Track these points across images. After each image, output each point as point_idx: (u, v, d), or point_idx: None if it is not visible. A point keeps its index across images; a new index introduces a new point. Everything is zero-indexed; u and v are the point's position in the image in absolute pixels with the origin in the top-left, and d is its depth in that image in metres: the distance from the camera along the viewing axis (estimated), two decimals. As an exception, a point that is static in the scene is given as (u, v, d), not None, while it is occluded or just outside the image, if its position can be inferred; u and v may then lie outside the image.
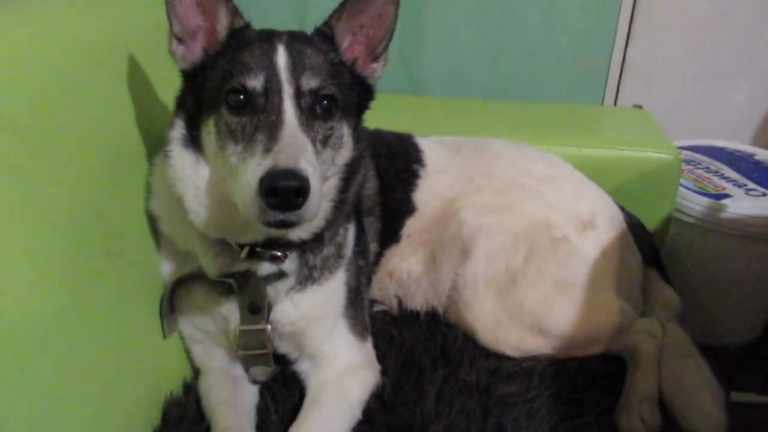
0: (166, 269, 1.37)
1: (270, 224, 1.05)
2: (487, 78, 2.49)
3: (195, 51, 1.22)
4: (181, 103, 1.27)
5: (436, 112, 2.24)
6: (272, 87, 1.12)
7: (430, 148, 1.73)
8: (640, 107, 2.47)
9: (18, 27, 1.15)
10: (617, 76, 2.50)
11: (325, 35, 1.25)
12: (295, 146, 1.05)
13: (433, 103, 2.37)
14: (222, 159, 1.15)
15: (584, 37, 2.40)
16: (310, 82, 1.14)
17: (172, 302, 1.36)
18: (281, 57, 1.15)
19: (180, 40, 1.21)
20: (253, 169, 1.03)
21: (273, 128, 1.07)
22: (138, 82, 1.39)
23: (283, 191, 0.99)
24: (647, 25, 2.43)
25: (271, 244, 1.24)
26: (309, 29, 1.28)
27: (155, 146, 1.38)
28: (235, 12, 1.21)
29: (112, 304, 1.22)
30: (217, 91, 1.16)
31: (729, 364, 1.95)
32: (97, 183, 1.22)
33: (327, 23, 1.25)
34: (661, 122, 2.23)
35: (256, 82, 1.12)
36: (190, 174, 1.22)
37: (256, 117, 1.11)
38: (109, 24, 1.39)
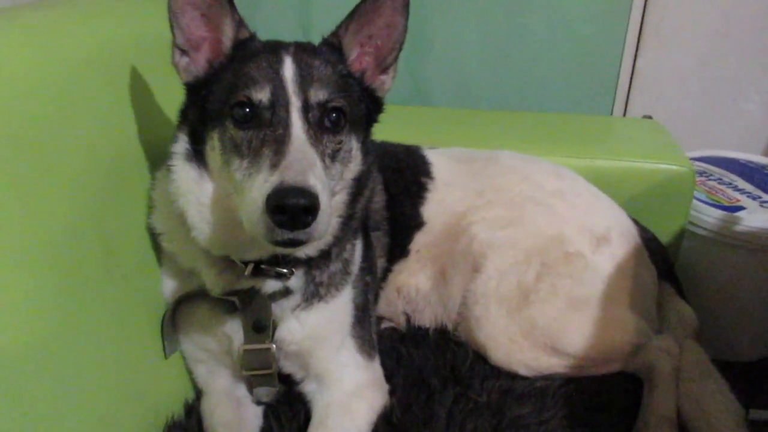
0: (168, 287, 1.34)
1: (278, 243, 1.01)
2: (494, 88, 2.44)
3: (199, 63, 1.18)
4: (185, 116, 1.24)
5: (444, 123, 2.21)
6: (279, 100, 1.09)
7: (438, 160, 1.70)
8: (650, 118, 2.44)
9: (19, 39, 1.14)
10: (626, 86, 2.46)
11: (333, 46, 1.22)
12: (304, 162, 1.01)
13: (440, 114, 2.33)
14: (227, 174, 1.12)
15: (593, 47, 2.35)
16: (318, 95, 1.11)
17: (174, 321, 1.32)
18: (288, 69, 1.11)
19: (183, 52, 1.18)
20: (260, 185, 1.00)
21: (280, 143, 1.03)
22: (140, 94, 1.36)
23: (292, 209, 0.95)
24: (657, 35, 2.39)
25: (277, 260, 1.20)
26: (313, 40, 1.25)
27: (157, 160, 1.35)
28: (240, 23, 1.18)
29: (111, 322, 1.19)
30: (221, 104, 1.12)
31: (746, 381, 1.90)
32: (98, 197, 1.19)
33: (335, 34, 1.22)
34: (671, 134, 2.20)
35: (262, 95, 1.08)
36: (194, 189, 1.18)
37: (262, 131, 1.07)
38: (111, 36, 1.37)
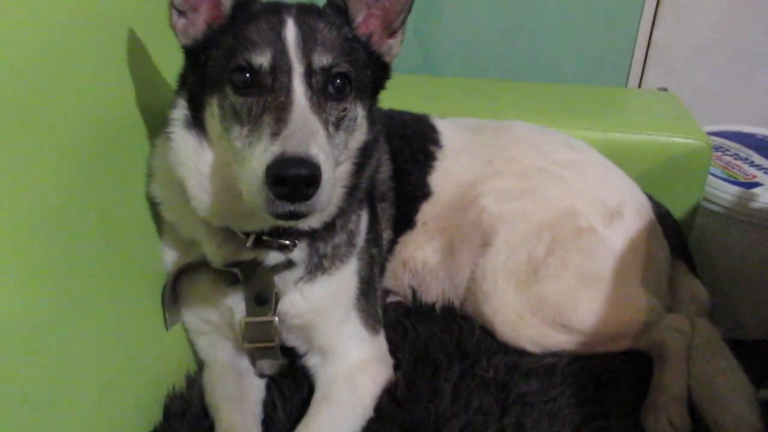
0: (169, 257, 1.31)
1: (278, 216, 0.98)
2: (506, 58, 2.41)
3: (197, 25, 1.14)
4: (184, 81, 1.20)
5: (453, 92, 2.17)
6: (280, 65, 1.04)
7: (447, 129, 1.66)
8: (665, 90, 2.38)
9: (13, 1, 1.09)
10: (642, 57, 2.40)
11: (338, 8, 1.17)
12: (306, 130, 0.97)
13: (449, 83, 2.29)
14: (226, 142, 1.08)
15: (608, 16, 2.31)
16: (321, 59, 1.06)
17: (175, 292, 1.30)
18: (290, 31, 1.07)
19: (181, 13, 1.13)
20: (260, 155, 0.96)
21: (281, 110, 1.00)
22: (140, 56, 1.32)
23: (293, 181, 0.92)
24: (675, 6, 2.33)
25: (279, 232, 1.17)
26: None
27: (157, 125, 1.30)
28: None
29: (110, 293, 1.16)
30: (221, 69, 1.08)
31: (758, 360, 1.87)
32: (94, 164, 1.15)
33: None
34: (688, 107, 2.14)
35: (262, 59, 1.04)
36: (193, 158, 1.15)
37: (263, 97, 1.04)
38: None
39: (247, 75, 1.05)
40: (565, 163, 1.59)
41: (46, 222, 1.02)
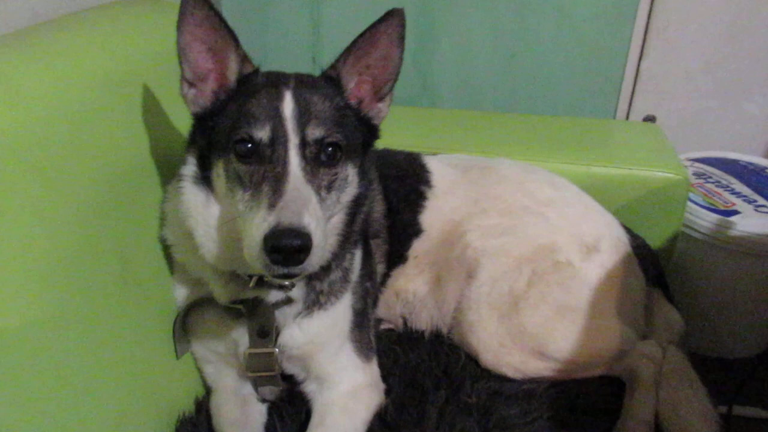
0: (179, 294, 1.43)
1: (275, 276, 1.11)
2: (500, 89, 2.49)
3: (205, 94, 1.25)
4: (192, 141, 1.31)
5: (448, 125, 2.27)
6: (278, 137, 1.15)
7: (437, 168, 1.76)
8: (653, 118, 2.47)
9: (36, 60, 1.22)
10: (631, 87, 2.48)
11: (332, 79, 1.28)
12: (299, 201, 1.08)
13: (444, 115, 2.39)
14: (231, 200, 1.19)
15: (598, 48, 2.39)
16: (315, 132, 1.17)
17: (184, 325, 1.41)
18: (287, 106, 1.17)
19: (191, 84, 1.25)
20: (259, 223, 1.07)
21: (278, 181, 1.10)
22: (151, 111, 1.44)
23: (286, 250, 1.03)
24: (662, 37, 2.41)
25: None
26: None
27: (168, 173, 1.43)
28: (244, 58, 1.24)
29: (127, 326, 1.28)
30: (226, 137, 1.19)
31: (735, 377, 1.97)
32: (113, 211, 1.28)
33: (333, 66, 1.28)
34: (674, 134, 2.24)
35: (262, 134, 1.15)
36: (201, 211, 1.26)
37: (263, 167, 1.14)
38: (124, 55, 1.45)
39: (249, 146, 1.15)
40: (547, 201, 1.68)
41: (71, 263, 1.14)
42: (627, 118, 2.53)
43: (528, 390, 1.51)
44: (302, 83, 1.24)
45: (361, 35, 1.24)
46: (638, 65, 2.46)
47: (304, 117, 1.17)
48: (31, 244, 1.07)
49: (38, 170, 1.11)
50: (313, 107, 1.20)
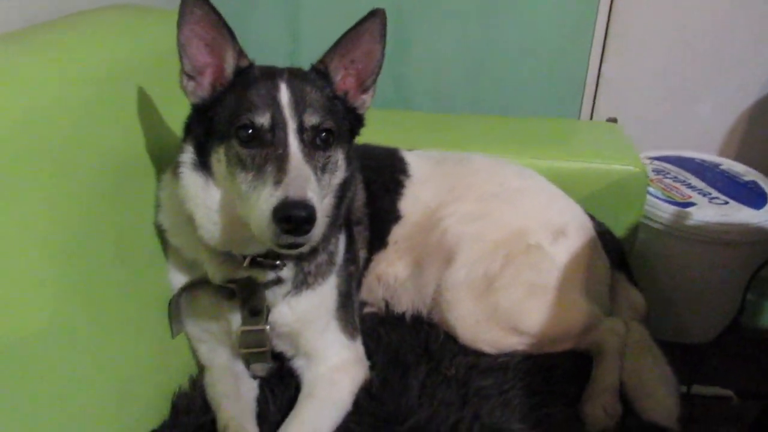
0: (174, 276, 1.49)
1: (282, 246, 1.19)
2: (469, 93, 2.61)
3: (204, 87, 1.33)
4: (189, 130, 1.39)
5: (421, 127, 2.37)
6: (278, 123, 1.24)
7: (414, 160, 1.86)
8: (615, 120, 2.62)
9: (40, 57, 1.30)
10: (593, 91, 2.63)
11: (320, 72, 1.37)
12: (302, 178, 1.17)
13: (418, 118, 2.49)
14: (231, 183, 1.27)
15: (561, 54, 2.52)
16: (311, 119, 1.27)
17: (179, 306, 1.48)
18: (284, 95, 1.26)
19: (190, 77, 1.32)
20: (267, 198, 1.15)
21: (281, 161, 1.19)
22: (146, 105, 1.51)
23: (295, 219, 1.12)
24: (620, 44, 2.56)
25: (271, 254, 1.37)
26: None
27: (162, 163, 1.51)
28: (240, 53, 1.32)
29: (125, 306, 1.35)
30: (227, 124, 1.27)
31: (694, 361, 2.10)
32: (111, 197, 1.35)
33: (322, 61, 1.37)
34: (634, 134, 2.37)
35: (263, 119, 1.24)
36: (201, 195, 1.33)
37: (264, 150, 1.23)
38: (120, 53, 1.52)
39: (250, 131, 1.24)
40: (517, 189, 1.80)
41: (73, 244, 1.20)
42: (591, 120, 2.67)
43: (503, 363, 1.60)
44: (295, 75, 1.33)
45: (347, 33, 1.34)
46: (599, 70, 2.61)
47: (300, 105, 1.26)
48: (36, 222, 1.13)
49: (47, 152, 1.18)
50: (308, 96, 1.29)
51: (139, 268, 1.42)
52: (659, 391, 1.50)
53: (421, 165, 1.85)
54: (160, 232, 1.48)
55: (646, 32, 2.55)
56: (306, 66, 1.40)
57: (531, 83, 2.58)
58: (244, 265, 1.36)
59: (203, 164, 1.33)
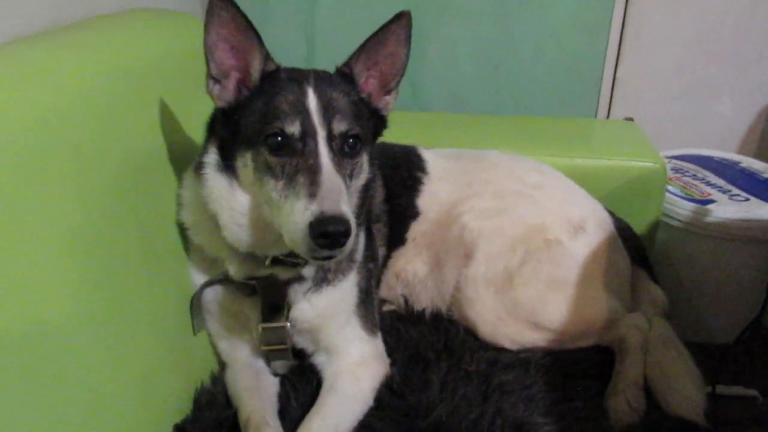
0: (195, 273, 1.50)
1: (316, 258, 1.20)
2: (485, 95, 2.62)
3: (229, 90, 1.32)
4: (213, 131, 1.39)
5: (439, 126, 2.38)
6: (308, 131, 1.24)
7: (432, 158, 1.87)
8: (631, 119, 2.61)
9: (68, 57, 1.33)
10: (609, 91, 2.64)
11: (345, 75, 1.38)
12: (335, 191, 1.17)
13: (435, 118, 2.50)
14: (259, 189, 1.27)
15: (576, 55, 2.52)
16: (340, 126, 1.27)
17: (200, 303, 1.49)
18: (312, 101, 1.26)
19: (216, 81, 1.31)
20: (301, 211, 1.15)
21: (313, 172, 1.19)
22: (167, 104, 1.53)
23: (332, 235, 1.13)
24: (636, 44, 2.58)
25: (293, 253, 1.35)
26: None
27: (183, 161, 1.52)
28: (267, 56, 1.31)
29: (148, 303, 1.36)
30: (256, 131, 1.27)
31: (717, 360, 2.06)
32: (135, 195, 1.36)
33: (347, 64, 1.38)
34: (651, 134, 2.36)
35: (293, 128, 1.24)
36: (225, 197, 1.33)
37: (294, 159, 1.23)
38: (144, 53, 1.56)
39: (280, 139, 1.24)
40: (535, 185, 1.80)
41: (96, 242, 1.21)
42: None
43: (524, 359, 1.59)
44: (322, 79, 1.33)
45: (373, 36, 1.35)
46: (615, 70, 2.62)
47: (328, 111, 1.26)
48: (65, 214, 1.15)
49: (74, 146, 1.20)
50: (335, 102, 1.29)
51: (161, 264, 1.43)
52: (684, 385, 1.48)
53: (438, 162, 1.86)
54: (182, 230, 1.50)
55: (661, 30, 2.56)
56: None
57: (547, 83, 2.59)
58: (266, 263, 1.37)
59: (227, 166, 1.33)
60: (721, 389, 2.08)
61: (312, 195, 1.16)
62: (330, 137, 1.25)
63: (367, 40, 1.36)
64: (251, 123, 1.29)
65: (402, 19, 1.34)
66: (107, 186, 1.28)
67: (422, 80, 2.63)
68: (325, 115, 1.26)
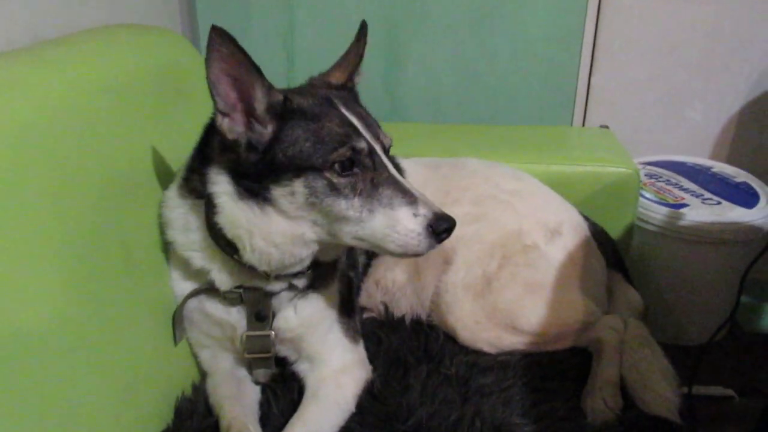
0: (177, 284, 1.50)
1: (431, 247, 1.29)
2: (463, 105, 2.65)
3: (238, 122, 1.30)
4: (209, 160, 1.36)
5: (418, 136, 2.40)
6: (372, 147, 1.29)
7: (410, 166, 1.87)
8: (607, 127, 2.67)
9: (48, 72, 1.34)
10: (584, 100, 2.69)
11: (352, 90, 1.48)
12: (421, 193, 1.29)
13: (415, 129, 2.53)
14: (317, 212, 1.28)
15: (551, 65, 2.57)
16: (386, 139, 1.37)
17: (182, 313, 1.49)
18: (355, 120, 1.32)
19: (225, 114, 1.29)
20: (411, 218, 1.26)
21: (393, 183, 1.28)
22: (149, 118, 1.55)
23: (450, 228, 1.28)
24: (609, 54, 2.63)
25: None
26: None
27: (164, 175, 1.54)
28: (270, 88, 1.29)
29: (129, 314, 1.36)
30: (311, 157, 1.26)
31: (691, 362, 2.11)
32: (116, 206, 1.37)
33: (350, 79, 1.47)
34: (626, 141, 2.40)
35: (362, 145, 1.28)
36: (258, 223, 1.31)
37: (366, 175, 1.27)
38: (124, 67, 1.57)
39: (346, 160, 1.27)
40: (512, 191, 1.82)
41: (78, 252, 1.22)
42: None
43: (503, 361, 1.62)
44: (344, 99, 1.39)
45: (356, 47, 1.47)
46: (589, 79, 2.67)
47: (371, 127, 1.34)
48: (45, 227, 1.16)
49: (54, 160, 1.21)
50: (368, 119, 1.38)
51: (142, 275, 1.43)
52: (659, 384, 1.51)
53: (417, 170, 1.87)
54: (165, 244, 1.50)
55: (633, 41, 2.62)
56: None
57: (523, 93, 2.63)
58: (271, 278, 1.40)
59: (254, 193, 1.31)
60: (698, 389, 2.13)
61: (412, 203, 1.26)
62: (384, 150, 1.34)
63: (358, 53, 1.47)
64: (300, 152, 1.27)
65: (362, 28, 1.47)
66: (87, 198, 1.29)
67: (401, 92, 2.66)
68: (372, 131, 1.33)
